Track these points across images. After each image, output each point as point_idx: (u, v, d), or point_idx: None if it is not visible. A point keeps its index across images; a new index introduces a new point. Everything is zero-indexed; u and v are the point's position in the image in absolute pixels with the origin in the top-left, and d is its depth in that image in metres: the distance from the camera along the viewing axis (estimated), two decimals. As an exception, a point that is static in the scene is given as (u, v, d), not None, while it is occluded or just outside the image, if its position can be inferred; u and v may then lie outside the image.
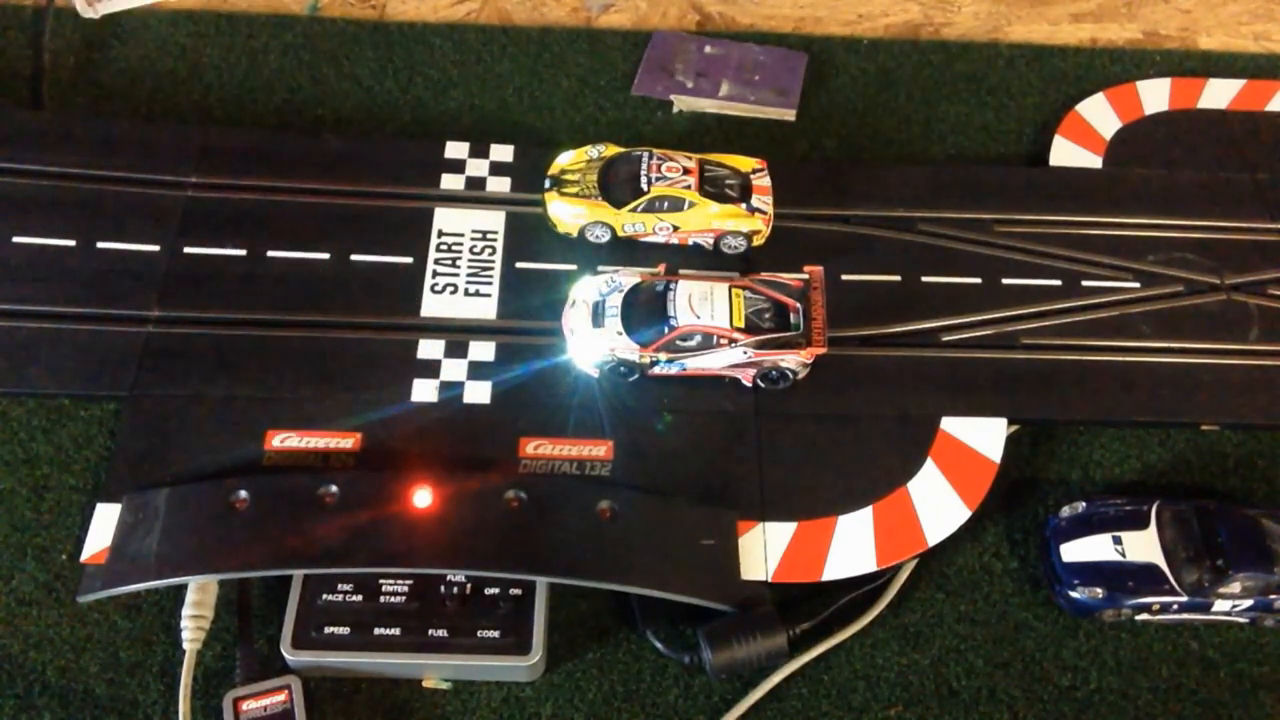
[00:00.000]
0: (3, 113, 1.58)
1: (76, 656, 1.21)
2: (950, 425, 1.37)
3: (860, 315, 1.46)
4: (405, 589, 1.21)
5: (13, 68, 1.69)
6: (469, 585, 1.21)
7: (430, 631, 1.19)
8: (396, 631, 1.19)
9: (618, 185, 1.48)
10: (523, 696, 1.21)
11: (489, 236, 1.50)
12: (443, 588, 1.21)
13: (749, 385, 1.38)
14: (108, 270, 1.42)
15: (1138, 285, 1.52)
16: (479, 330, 1.42)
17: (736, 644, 1.20)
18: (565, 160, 1.54)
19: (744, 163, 1.54)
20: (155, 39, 1.75)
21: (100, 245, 1.44)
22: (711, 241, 1.49)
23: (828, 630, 1.25)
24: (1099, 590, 1.25)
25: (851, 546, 1.28)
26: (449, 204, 1.53)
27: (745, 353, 1.34)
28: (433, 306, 1.43)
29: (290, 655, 1.18)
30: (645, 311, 1.36)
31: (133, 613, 1.24)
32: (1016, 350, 1.45)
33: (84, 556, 1.22)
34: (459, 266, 1.47)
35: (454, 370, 1.38)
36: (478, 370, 1.38)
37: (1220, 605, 1.25)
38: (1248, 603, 1.25)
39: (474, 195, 1.54)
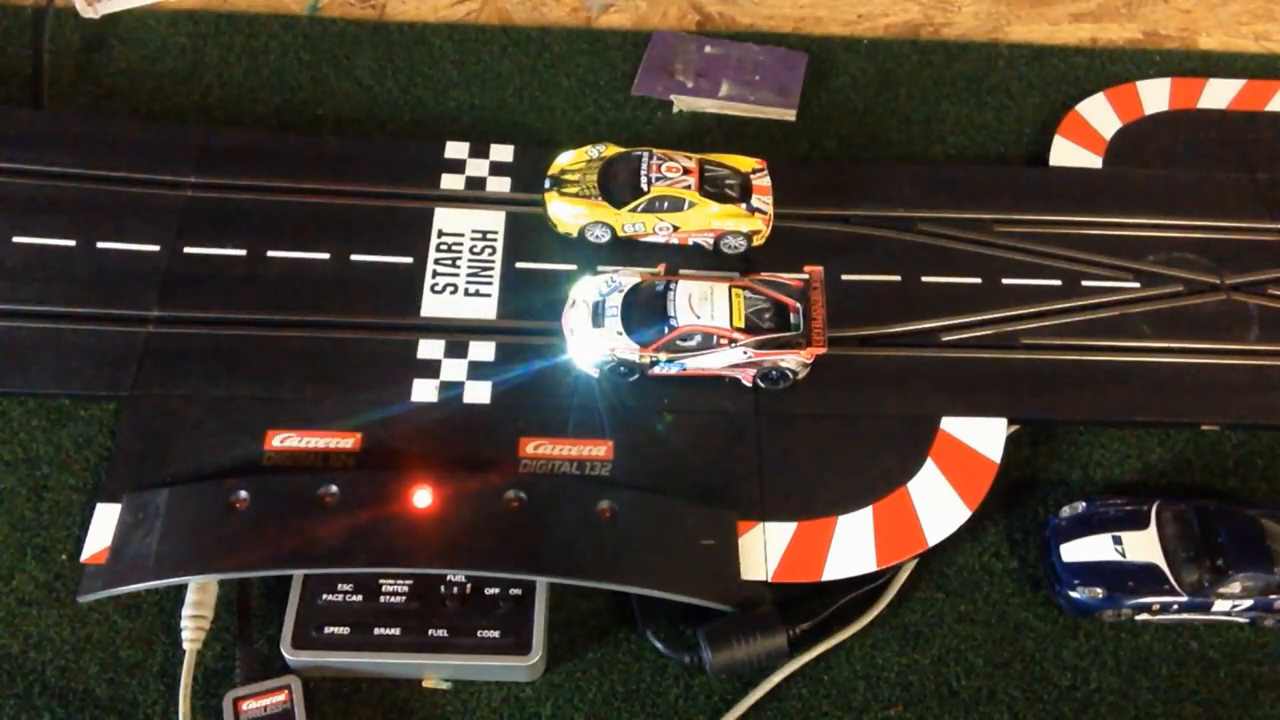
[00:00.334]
0: (3, 113, 1.58)
1: (76, 656, 1.21)
2: (950, 425, 1.37)
3: (860, 315, 1.46)
4: (405, 589, 1.21)
5: (13, 68, 1.69)
6: (469, 585, 1.21)
7: (430, 631, 1.19)
8: (396, 631, 1.19)
9: (618, 185, 1.48)
10: (523, 696, 1.21)
11: (489, 236, 1.50)
12: (443, 588, 1.21)
13: (749, 385, 1.38)
14: (108, 270, 1.42)
15: (1138, 285, 1.52)
16: (479, 330, 1.42)
17: (736, 644, 1.20)
18: (565, 160, 1.54)
19: (744, 163, 1.54)
20: (155, 39, 1.75)
21: (100, 245, 1.44)
22: (711, 241, 1.49)
23: (828, 630, 1.25)
24: (1099, 590, 1.25)
25: (851, 546, 1.28)
26: (449, 204, 1.53)
27: (745, 353, 1.34)
28: (433, 306, 1.43)
29: (290, 655, 1.18)
30: (645, 311, 1.36)
31: (133, 613, 1.24)
32: (1016, 350, 1.45)
33: (84, 556, 1.22)
34: (459, 266, 1.47)
35: (454, 370, 1.38)
36: (478, 370, 1.38)
37: (1220, 605, 1.25)
38: (1248, 603, 1.25)
39: (474, 195, 1.54)
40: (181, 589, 1.21)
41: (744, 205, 1.47)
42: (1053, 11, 1.92)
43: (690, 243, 1.50)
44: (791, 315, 1.37)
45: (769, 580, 1.25)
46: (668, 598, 1.21)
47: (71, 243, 1.44)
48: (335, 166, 1.55)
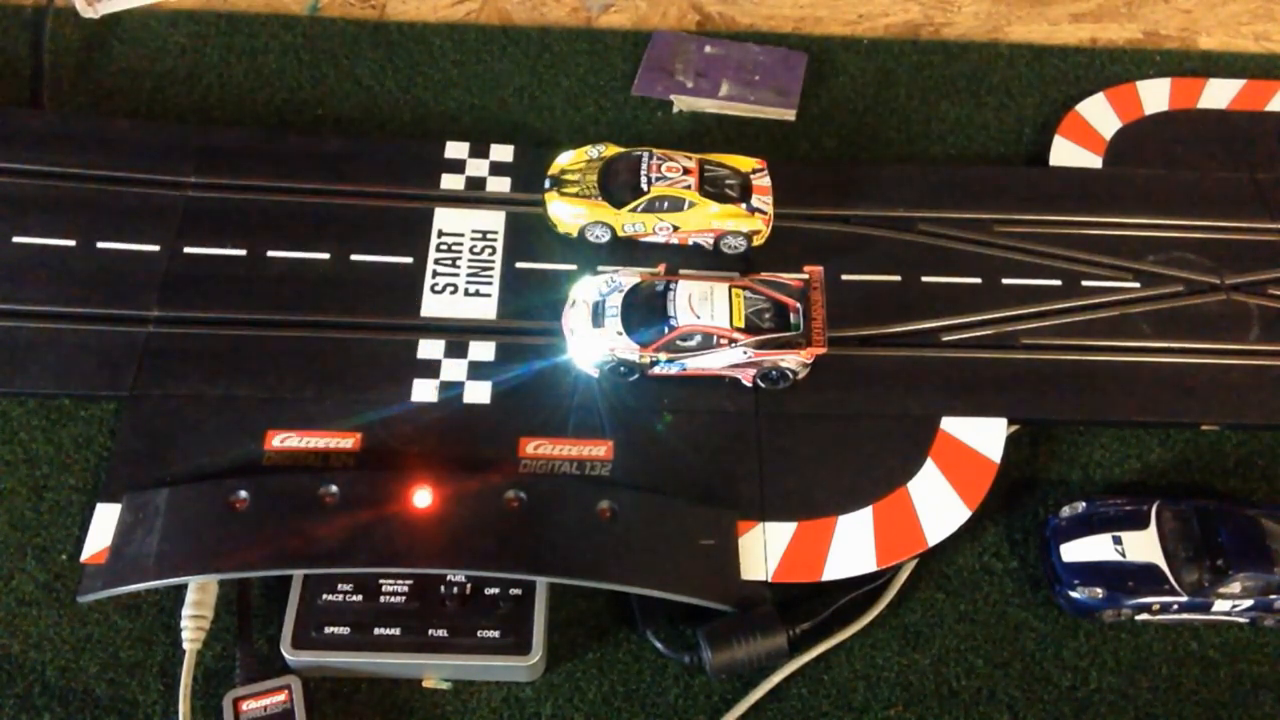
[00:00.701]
0: (3, 113, 1.58)
1: (76, 656, 1.21)
2: (950, 425, 1.37)
3: (860, 315, 1.46)
4: (405, 589, 1.21)
5: (13, 68, 1.69)
6: (469, 585, 1.21)
7: (430, 631, 1.19)
8: (396, 631, 1.19)
9: (618, 185, 1.48)
10: (523, 696, 1.21)
11: (489, 236, 1.50)
12: (443, 588, 1.21)
13: (749, 385, 1.38)
14: (108, 270, 1.42)
15: (1138, 285, 1.52)
16: (479, 330, 1.42)
17: (736, 644, 1.20)
18: (565, 160, 1.54)
19: (744, 163, 1.54)
20: (155, 39, 1.75)
21: (100, 245, 1.44)
22: (711, 241, 1.49)
23: (828, 630, 1.25)
24: (1099, 590, 1.25)
25: (851, 546, 1.28)
26: (449, 204, 1.53)
27: (745, 353, 1.34)
28: (433, 306, 1.43)
29: (290, 655, 1.18)
30: (645, 311, 1.36)
31: (133, 613, 1.24)
32: (1016, 350, 1.45)
33: (84, 556, 1.22)
34: (459, 266, 1.47)
35: (454, 370, 1.38)
36: (478, 370, 1.38)
37: (1220, 605, 1.25)
38: (1248, 603, 1.25)
39: (474, 195, 1.54)
40: (181, 589, 1.21)
41: (744, 205, 1.47)
42: (1053, 11, 1.92)
43: (690, 243, 1.50)
44: (791, 315, 1.37)
45: (769, 580, 1.25)
46: (668, 598, 1.21)
47: (71, 243, 1.44)
48: (335, 166, 1.55)
